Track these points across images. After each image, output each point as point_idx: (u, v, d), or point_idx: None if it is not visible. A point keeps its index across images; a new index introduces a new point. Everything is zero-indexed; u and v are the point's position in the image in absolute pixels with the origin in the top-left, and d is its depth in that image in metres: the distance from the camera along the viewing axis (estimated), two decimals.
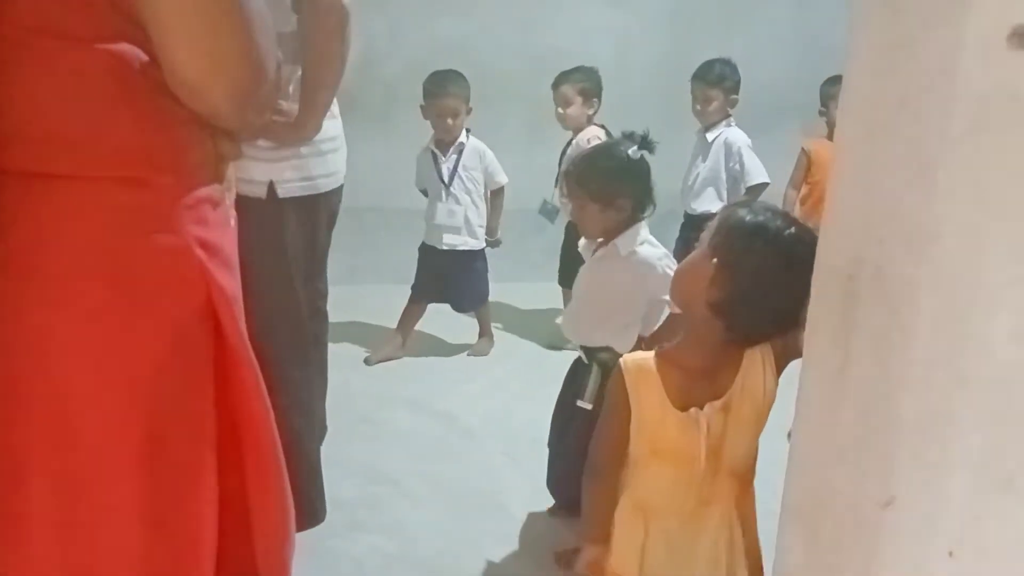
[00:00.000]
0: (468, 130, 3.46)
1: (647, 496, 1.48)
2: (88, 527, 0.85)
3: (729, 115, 3.46)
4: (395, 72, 3.96)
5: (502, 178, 3.50)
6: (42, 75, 0.80)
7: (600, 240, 2.15)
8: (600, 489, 1.54)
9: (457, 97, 3.35)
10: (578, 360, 2.24)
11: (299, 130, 1.95)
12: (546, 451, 2.64)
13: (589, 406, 2.10)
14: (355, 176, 3.40)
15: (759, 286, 1.35)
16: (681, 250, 3.57)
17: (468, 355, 3.54)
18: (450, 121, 3.36)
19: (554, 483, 2.34)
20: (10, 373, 0.82)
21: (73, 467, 0.84)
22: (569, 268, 3.59)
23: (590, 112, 3.50)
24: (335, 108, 2.06)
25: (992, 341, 0.60)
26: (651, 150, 2.12)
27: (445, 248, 3.43)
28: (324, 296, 2.25)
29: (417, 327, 3.53)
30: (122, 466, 0.85)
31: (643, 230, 2.12)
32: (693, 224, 3.55)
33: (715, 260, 1.39)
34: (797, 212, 3.45)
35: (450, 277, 3.46)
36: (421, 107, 3.40)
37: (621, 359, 1.49)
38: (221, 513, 0.92)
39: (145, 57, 0.84)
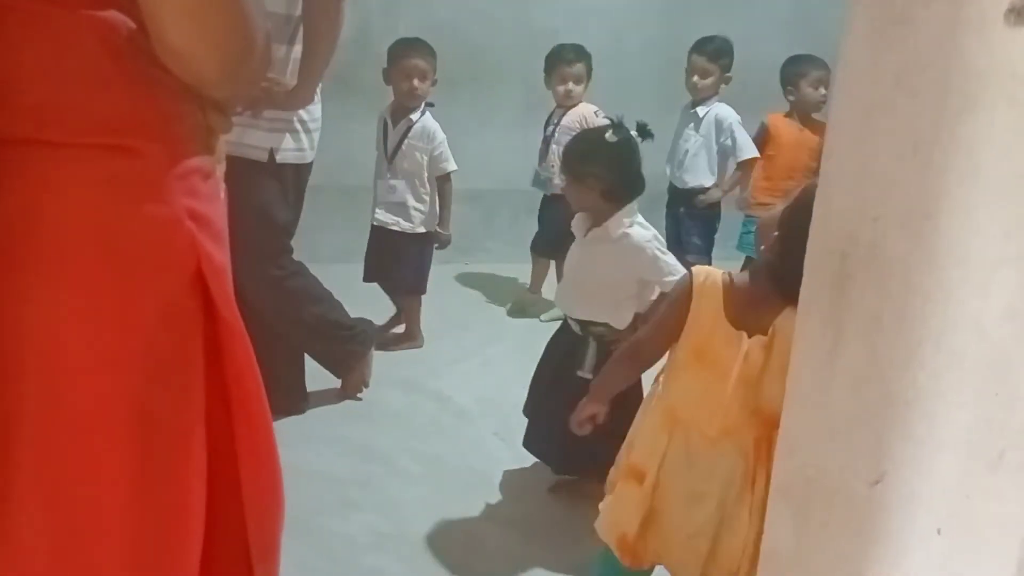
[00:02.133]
0: (429, 105, 3.22)
1: (678, 404, 1.59)
2: (76, 499, 0.85)
3: (719, 92, 3.50)
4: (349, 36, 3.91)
5: (449, 165, 3.22)
6: (31, 40, 0.79)
7: (591, 222, 2.23)
8: (629, 366, 1.76)
9: (427, 60, 3.14)
10: (568, 331, 2.31)
11: (294, 98, 2.31)
12: None
13: (590, 376, 2.18)
14: (350, 155, 3.41)
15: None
16: (672, 226, 3.61)
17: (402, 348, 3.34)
18: (416, 82, 3.11)
19: (541, 448, 2.38)
20: None
21: (61, 438, 0.83)
22: (543, 236, 3.63)
23: (580, 89, 3.54)
24: (318, 95, 2.42)
25: (984, 320, 0.60)
26: (644, 136, 2.21)
27: (376, 224, 3.22)
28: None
29: None
30: (110, 438, 0.85)
31: (634, 213, 2.20)
32: (681, 198, 3.59)
33: (779, 229, 1.52)
34: (758, 181, 3.54)
35: (382, 256, 3.23)
36: (384, 71, 3.17)
37: (699, 268, 1.61)
38: (211, 487, 0.92)
39: (133, 25, 0.82)
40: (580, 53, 3.52)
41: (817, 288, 0.79)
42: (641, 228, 2.20)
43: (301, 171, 2.48)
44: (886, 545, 0.71)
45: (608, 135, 2.18)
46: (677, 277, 2.14)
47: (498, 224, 4.29)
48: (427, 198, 3.21)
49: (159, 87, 0.85)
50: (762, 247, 1.60)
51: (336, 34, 2.28)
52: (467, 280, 4.10)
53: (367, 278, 3.30)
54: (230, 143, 1.50)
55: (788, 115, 3.57)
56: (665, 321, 1.64)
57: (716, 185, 3.55)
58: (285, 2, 2.25)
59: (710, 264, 3.63)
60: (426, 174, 3.19)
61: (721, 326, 1.53)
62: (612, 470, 1.75)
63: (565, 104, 3.53)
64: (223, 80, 0.86)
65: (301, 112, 2.39)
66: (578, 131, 3.07)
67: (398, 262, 3.24)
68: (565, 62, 3.50)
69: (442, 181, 3.23)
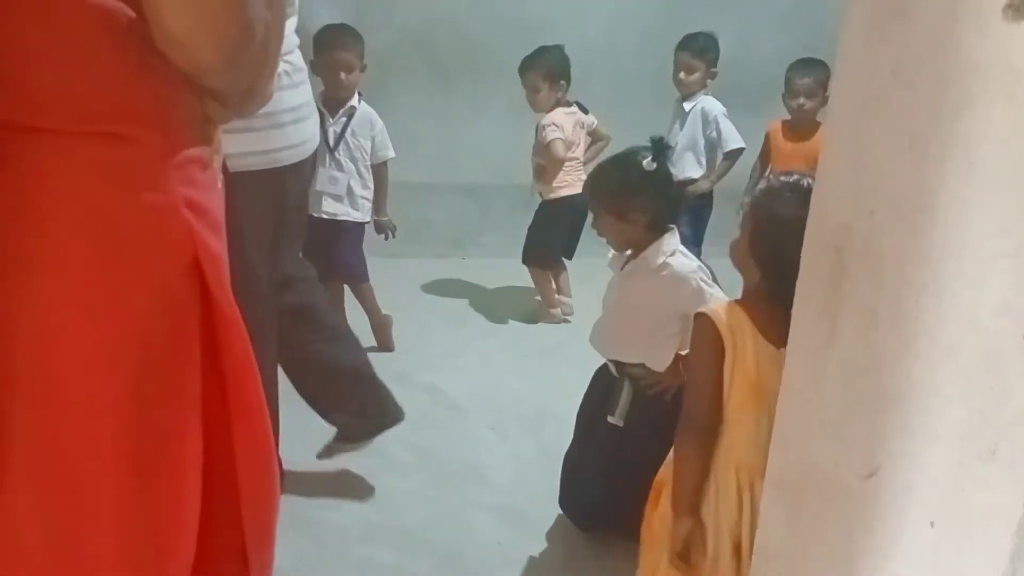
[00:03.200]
0: (360, 94, 3.16)
1: (745, 453, 1.42)
2: (70, 488, 0.85)
3: (706, 87, 3.52)
4: (387, 44, 3.92)
5: (389, 152, 3.19)
6: (31, 26, 0.79)
7: (628, 253, 2.06)
8: (698, 449, 1.46)
9: (351, 51, 3.07)
10: (605, 372, 2.15)
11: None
12: (530, 425, 2.66)
13: (620, 423, 2.05)
14: None
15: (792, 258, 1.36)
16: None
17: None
18: (343, 76, 3.06)
19: (571, 500, 2.21)
20: None
21: (55, 426, 0.83)
22: (535, 247, 3.62)
23: (559, 95, 3.46)
24: (297, 77, 1.96)
25: (978, 313, 0.60)
26: (666, 157, 2.03)
27: (324, 216, 3.12)
28: (299, 265, 2.22)
29: (405, 300, 3.52)
30: (105, 426, 0.85)
31: (672, 240, 2.02)
32: None
33: (752, 259, 1.44)
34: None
35: (329, 248, 3.13)
36: (310, 63, 2.99)
37: (706, 308, 1.46)
38: (206, 476, 0.92)
39: (131, 13, 0.82)
40: (530, 62, 3.46)
41: (813, 281, 0.79)
42: (683, 257, 2.01)
43: (279, 175, 1.96)
44: (879, 537, 0.72)
45: (646, 163, 1.99)
46: None
47: (494, 218, 4.28)
48: (371, 186, 3.20)
49: (157, 75, 0.85)
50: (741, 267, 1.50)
51: (276, 31, 1.96)
52: (462, 274, 4.09)
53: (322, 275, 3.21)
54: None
55: (787, 122, 3.58)
56: (707, 379, 1.45)
57: (705, 176, 3.57)
58: None
59: (700, 254, 3.65)
60: (369, 160, 3.18)
61: (765, 351, 1.40)
62: (644, 527, 1.59)
63: (537, 110, 3.51)
64: (221, 69, 0.86)
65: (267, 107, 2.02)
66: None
67: (345, 251, 3.19)
68: (520, 72, 3.48)
69: (379, 168, 3.21)
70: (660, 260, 2.00)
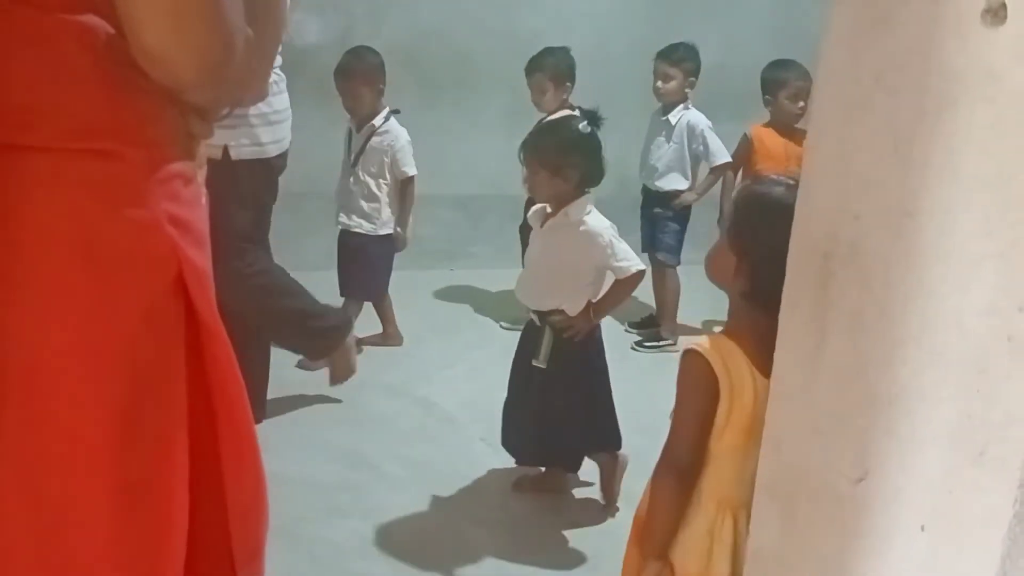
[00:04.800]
0: (394, 112, 3.25)
1: (733, 488, 1.36)
2: (58, 506, 0.84)
3: (687, 97, 3.54)
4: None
5: (409, 170, 3.23)
6: (8, 43, 0.78)
7: (549, 211, 2.33)
8: (676, 492, 1.38)
9: (356, 79, 3.18)
10: (531, 323, 2.37)
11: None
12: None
13: (544, 365, 2.28)
14: (333, 161, 3.41)
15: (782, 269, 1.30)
16: (647, 226, 3.67)
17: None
18: (350, 102, 3.20)
19: (513, 443, 2.42)
20: None
21: (42, 443, 0.82)
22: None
23: (564, 96, 3.48)
24: (283, 84, 2.47)
25: (964, 316, 0.61)
26: (598, 126, 2.32)
27: (339, 227, 3.26)
28: (268, 251, 2.63)
29: (396, 313, 3.51)
30: (92, 444, 0.84)
31: (589, 201, 2.28)
32: (657, 200, 3.67)
33: (734, 254, 1.38)
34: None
35: (342, 259, 3.28)
36: (335, 81, 3.24)
37: (694, 344, 1.38)
38: (194, 492, 0.91)
39: (111, 29, 0.82)
40: (537, 63, 3.48)
41: (800, 287, 0.79)
42: (598, 216, 2.28)
43: (266, 166, 2.48)
44: (870, 541, 0.72)
45: (582, 126, 2.29)
46: (631, 263, 2.24)
47: (484, 229, 4.28)
48: (390, 200, 3.26)
49: (139, 91, 0.85)
50: (723, 280, 1.43)
51: (280, 24, 2.20)
52: (453, 285, 4.09)
53: (343, 292, 3.30)
54: None
55: (769, 125, 3.59)
56: (694, 420, 1.37)
57: (690, 189, 3.59)
58: None
59: (679, 262, 3.65)
60: (389, 177, 3.24)
61: (762, 385, 1.30)
62: (624, 564, 1.49)
63: (542, 110, 3.52)
64: (201, 84, 0.86)
65: (261, 105, 2.35)
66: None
67: (363, 264, 3.28)
68: (527, 72, 3.50)
69: (404, 184, 3.27)
70: (580, 216, 2.26)
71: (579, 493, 2.47)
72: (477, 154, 4.08)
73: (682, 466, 1.38)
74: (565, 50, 3.51)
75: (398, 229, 3.30)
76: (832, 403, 0.75)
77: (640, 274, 2.27)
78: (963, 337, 0.61)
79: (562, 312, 2.27)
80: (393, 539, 2.19)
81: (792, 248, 0.80)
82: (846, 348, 0.73)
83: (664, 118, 3.60)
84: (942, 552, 0.64)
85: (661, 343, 3.62)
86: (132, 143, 0.85)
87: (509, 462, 2.46)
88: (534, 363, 2.28)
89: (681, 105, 3.56)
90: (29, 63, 0.80)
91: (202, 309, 0.89)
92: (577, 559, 2.19)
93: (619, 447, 2.34)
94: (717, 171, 3.54)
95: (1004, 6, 0.56)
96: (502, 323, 3.67)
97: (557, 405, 2.28)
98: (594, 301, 2.29)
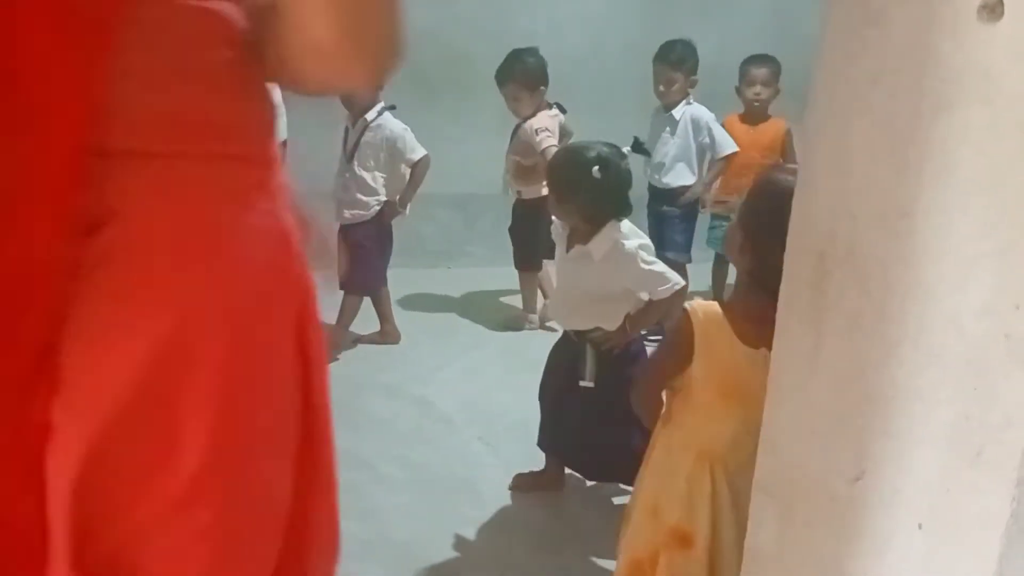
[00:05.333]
0: (390, 108, 3.29)
1: (712, 443, 1.51)
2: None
3: (688, 94, 3.57)
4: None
5: (417, 153, 3.29)
6: (133, 40, 0.67)
7: (575, 238, 2.21)
8: (652, 405, 1.64)
9: None
10: (564, 340, 2.31)
11: None
12: (521, 436, 2.65)
13: (591, 384, 2.20)
14: (335, 161, 3.42)
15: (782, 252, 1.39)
16: (655, 224, 3.68)
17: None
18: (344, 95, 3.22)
19: (571, 458, 2.38)
20: (105, 369, 0.69)
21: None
22: (522, 249, 3.64)
23: (539, 99, 3.50)
24: None
25: (961, 317, 0.61)
26: (608, 167, 2.15)
27: (341, 224, 3.28)
28: None
29: (393, 312, 3.51)
30: (204, 465, 0.73)
31: (616, 231, 2.15)
32: (664, 197, 3.69)
33: (742, 233, 1.48)
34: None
35: (341, 255, 3.23)
36: None
37: (688, 305, 1.53)
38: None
39: (242, 20, 0.72)
40: (507, 73, 3.49)
41: (797, 287, 0.79)
42: (625, 242, 2.15)
43: None
44: (868, 541, 0.72)
45: (595, 171, 2.14)
46: (669, 286, 2.12)
47: (480, 228, 4.29)
48: (380, 191, 3.30)
49: (261, 90, 0.76)
50: (732, 255, 1.57)
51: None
52: (450, 284, 4.09)
53: (343, 287, 3.29)
54: None
55: (741, 115, 3.71)
56: (668, 354, 1.59)
57: (699, 181, 3.61)
58: None
59: (689, 260, 3.67)
60: (387, 170, 3.29)
61: (739, 351, 1.46)
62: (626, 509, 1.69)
63: (520, 116, 3.54)
64: (370, 82, 0.77)
65: None
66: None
67: (360, 255, 3.27)
68: (499, 83, 3.52)
69: (414, 167, 3.31)
70: (602, 252, 2.14)
71: (578, 490, 2.47)
72: (474, 154, 4.07)
73: (647, 393, 1.65)
74: (534, 51, 3.50)
75: (399, 205, 3.32)
76: (829, 403, 0.75)
77: (681, 292, 2.14)
78: (960, 338, 0.61)
79: (600, 329, 2.20)
80: (390, 540, 2.18)
81: (789, 247, 0.80)
82: (843, 348, 0.73)
83: (667, 114, 3.61)
84: (939, 552, 0.64)
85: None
86: (257, 146, 0.77)
87: (507, 463, 2.46)
88: (581, 384, 2.22)
89: (683, 100, 3.58)
90: (166, 64, 0.70)
91: (314, 335, 0.81)
92: (577, 558, 2.19)
93: None
94: (723, 161, 3.57)
95: (1001, 2, 0.56)
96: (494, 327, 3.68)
97: (613, 420, 2.15)
98: (631, 313, 2.20)
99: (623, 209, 2.19)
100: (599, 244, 2.15)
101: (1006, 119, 0.56)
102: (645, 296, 2.19)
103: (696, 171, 3.62)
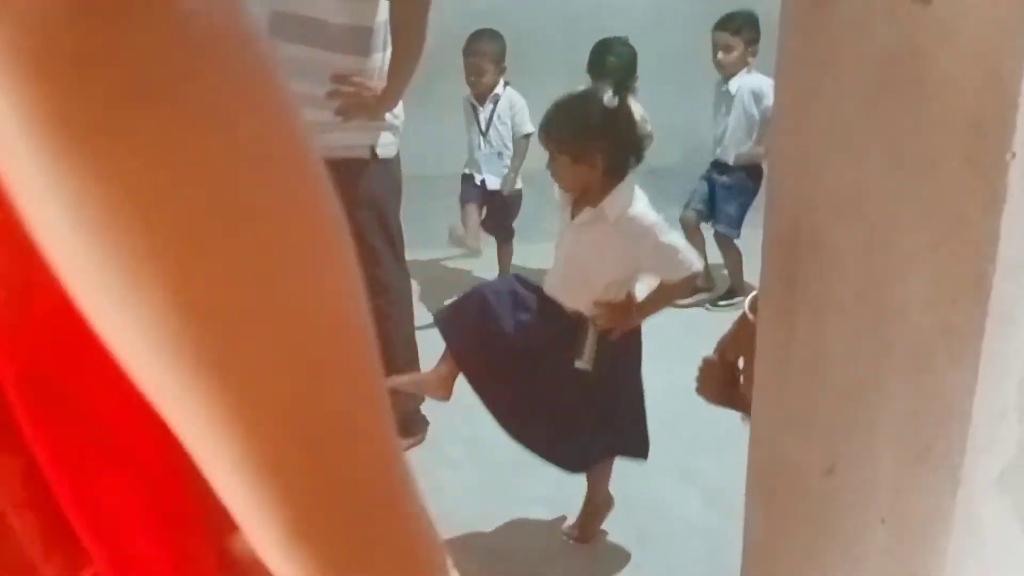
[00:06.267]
0: (506, 83, 3.68)
1: None
2: None
3: (747, 64, 3.47)
4: (432, 43, 3.97)
5: (525, 128, 3.67)
6: None
7: (583, 201, 1.94)
8: None
9: (483, 56, 3.64)
10: (560, 317, 2.03)
11: (383, 103, 2.41)
12: None
13: (589, 367, 1.97)
14: (404, 146, 3.49)
15: None
16: (709, 195, 3.64)
17: None
18: (472, 78, 3.67)
19: (545, 447, 2.15)
20: None
21: None
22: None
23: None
24: None
25: (908, 309, 0.58)
26: (626, 95, 1.89)
27: (490, 188, 3.72)
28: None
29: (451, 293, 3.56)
30: None
31: (633, 189, 1.88)
32: (721, 171, 3.63)
33: None
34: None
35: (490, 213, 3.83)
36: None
37: None
38: None
39: None
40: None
41: (772, 277, 0.78)
42: (644, 208, 1.87)
43: (392, 164, 2.60)
44: (839, 535, 0.70)
45: (607, 99, 1.84)
46: (685, 267, 1.87)
47: (547, 203, 4.29)
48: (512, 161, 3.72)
49: None
50: None
51: (422, 42, 2.37)
52: (519, 259, 4.11)
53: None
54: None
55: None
56: None
57: (756, 145, 3.50)
58: (358, 14, 2.33)
59: (738, 235, 3.59)
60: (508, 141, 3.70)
61: None
62: None
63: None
64: None
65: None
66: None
67: (506, 212, 3.80)
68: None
69: (519, 142, 3.70)
70: (617, 213, 1.86)
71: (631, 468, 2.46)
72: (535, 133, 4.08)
73: None
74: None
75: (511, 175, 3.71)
76: (803, 394, 0.74)
77: (693, 277, 1.91)
78: (906, 330, 0.59)
79: (605, 306, 1.95)
80: (453, 518, 2.23)
81: (764, 237, 0.78)
82: (812, 339, 0.71)
83: (724, 88, 3.54)
84: (901, 548, 0.63)
85: (733, 300, 3.60)
86: None
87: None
88: (578, 364, 1.99)
89: (743, 70, 3.49)
90: None
91: None
92: (633, 535, 2.19)
93: (646, 456, 2.13)
94: None
95: None
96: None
97: (598, 406, 2.02)
98: (634, 296, 1.95)
99: (640, 153, 1.92)
100: (614, 202, 1.86)
101: (938, 104, 0.53)
102: (650, 281, 1.94)
103: (756, 139, 3.53)
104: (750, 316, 1.06)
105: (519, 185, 3.77)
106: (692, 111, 3.64)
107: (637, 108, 3.68)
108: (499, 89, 3.68)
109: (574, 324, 2.04)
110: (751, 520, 0.86)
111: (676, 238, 1.90)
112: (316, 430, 0.29)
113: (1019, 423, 0.55)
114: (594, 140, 1.84)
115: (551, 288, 2.06)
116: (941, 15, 0.53)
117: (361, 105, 2.34)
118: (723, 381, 1.28)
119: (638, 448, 2.13)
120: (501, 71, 3.68)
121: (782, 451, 0.79)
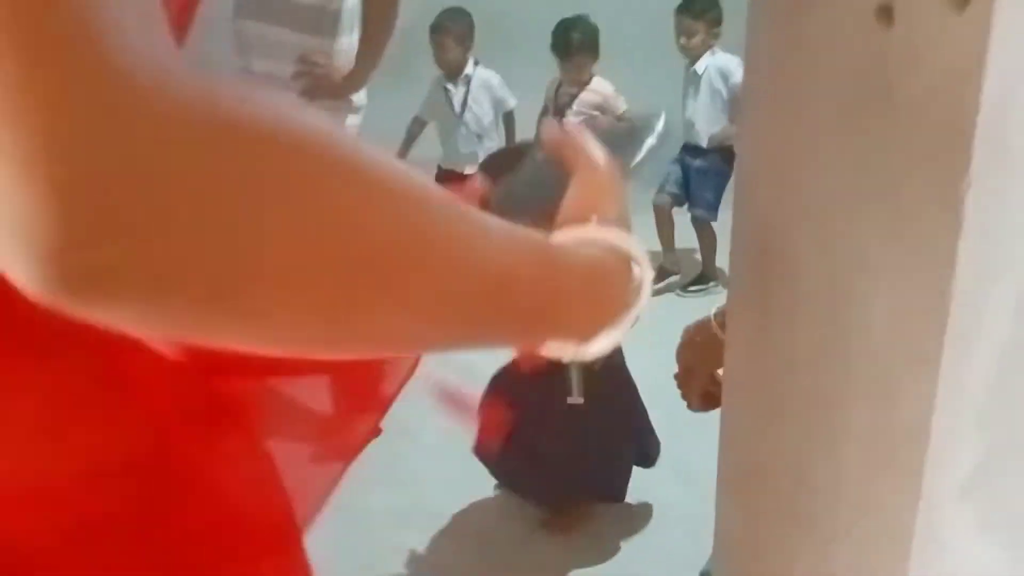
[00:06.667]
0: (476, 62, 3.69)
1: None
2: None
3: (712, 46, 3.48)
4: (410, 21, 3.93)
5: (509, 103, 3.73)
6: None
7: None
8: None
9: (448, 34, 3.63)
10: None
11: (349, 85, 2.44)
12: None
13: (581, 400, 2.05)
14: (377, 126, 3.45)
15: None
16: (683, 180, 3.65)
17: None
18: (439, 54, 3.67)
19: (545, 487, 2.22)
20: None
21: None
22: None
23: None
24: None
25: (871, 325, 0.59)
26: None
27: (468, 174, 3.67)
28: None
29: None
30: None
31: None
32: (693, 154, 3.65)
33: None
34: None
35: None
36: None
37: None
38: None
39: None
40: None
41: (743, 281, 0.79)
42: None
43: None
44: (811, 542, 0.72)
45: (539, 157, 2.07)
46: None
47: None
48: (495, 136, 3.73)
49: None
50: None
51: (391, 27, 2.39)
52: None
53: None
54: None
55: None
56: None
57: (728, 126, 3.51)
58: None
59: (715, 218, 3.59)
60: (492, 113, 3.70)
61: None
62: None
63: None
64: None
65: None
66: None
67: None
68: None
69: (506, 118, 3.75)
70: None
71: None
72: (517, 113, 4.06)
73: None
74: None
75: None
76: (771, 401, 0.75)
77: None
78: (870, 346, 0.59)
79: None
80: (429, 507, 2.24)
81: (732, 242, 0.79)
82: (782, 347, 0.72)
83: (692, 69, 3.55)
84: (863, 559, 0.64)
85: (707, 285, 3.62)
86: None
87: None
88: (570, 401, 2.11)
89: (707, 52, 3.50)
90: None
91: None
92: (615, 526, 2.22)
93: (654, 464, 2.25)
94: None
95: (891, 8, 0.54)
96: None
97: (601, 434, 2.10)
98: None
99: None
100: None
101: (902, 127, 0.54)
102: None
103: (725, 121, 3.54)
104: (719, 334, 1.09)
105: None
106: (662, 94, 3.63)
107: (607, 86, 3.71)
108: (469, 68, 3.63)
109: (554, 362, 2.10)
110: (725, 514, 0.88)
111: None
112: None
113: (977, 440, 0.56)
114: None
115: None
116: (906, 40, 0.53)
117: (326, 86, 2.35)
118: (705, 390, 1.23)
119: (654, 452, 2.18)
120: (467, 49, 3.63)
121: (754, 457, 0.80)
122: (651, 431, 2.19)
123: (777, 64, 0.68)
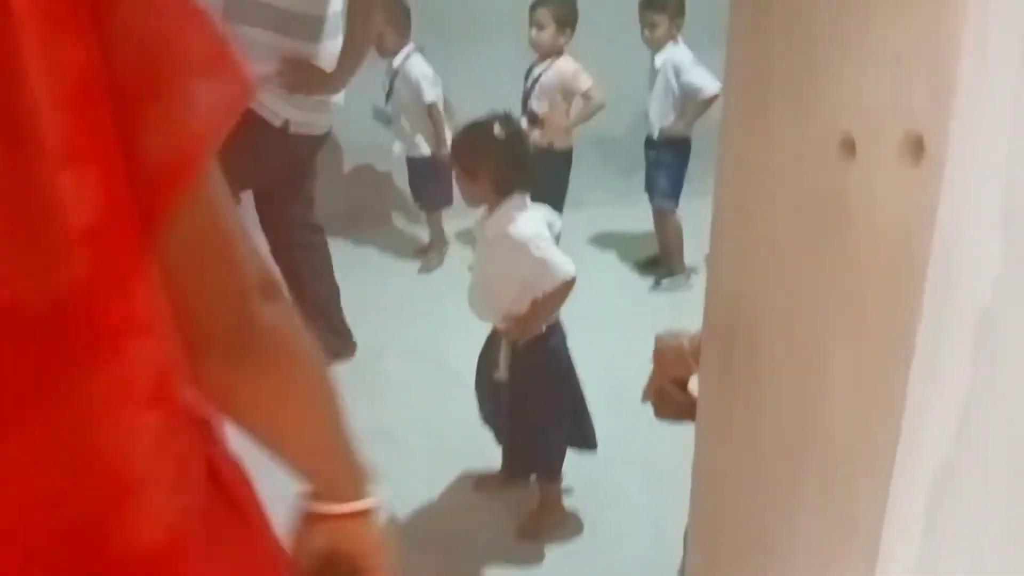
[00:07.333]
0: (408, 53, 3.70)
1: None
2: None
3: (674, 37, 3.52)
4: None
5: (426, 97, 3.72)
6: None
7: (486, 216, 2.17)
8: None
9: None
10: (491, 334, 2.28)
11: (330, 83, 2.61)
12: None
13: (505, 375, 2.18)
14: (358, 112, 3.46)
15: None
16: (647, 171, 3.71)
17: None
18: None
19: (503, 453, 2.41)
20: None
21: None
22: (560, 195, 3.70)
23: (562, 40, 3.51)
24: None
25: (831, 416, 0.65)
26: (511, 130, 2.17)
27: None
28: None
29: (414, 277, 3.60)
30: None
31: (516, 209, 2.10)
32: (652, 145, 3.72)
33: None
34: None
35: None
36: None
37: None
38: None
39: None
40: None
41: (710, 361, 0.84)
42: (523, 225, 2.09)
43: (314, 143, 2.76)
44: None
45: (496, 130, 2.13)
46: (557, 274, 2.07)
47: None
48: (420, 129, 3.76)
49: None
50: None
51: (370, 34, 2.62)
52: (468, 238, 4.14)
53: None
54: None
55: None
56: None
57: (677, 121, 3.56)
58: (310, 3, 2.52)
59: (676, 207, 3.66)
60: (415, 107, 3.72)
61: None
62: None
63: (536, 50, 3.58)
64: None
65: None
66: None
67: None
68: (532, 7, 3.58)
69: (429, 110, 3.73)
70: (497, 230, 2.11)
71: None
72: (485, 98, 4.06)
73: None
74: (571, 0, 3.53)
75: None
76: (738, 471, 0.80)
77: (568, 284, 2.10)
78: (827, 434, 0.65)
79: (513, 320, 2.15)
80: (405, 504, 2.29)
81: (703, 323, 0.83)
82: (747, 425, 0.78)
83: (652, 62, 3.61)
84: None
85: (674, 276, 3.68)
86: None
87: None
88: (495, 376, 2.20)
89: (669, 43, 3.54)
90: None
91: None
92: (597, 526, 2.27)
93: (594, 447, 2.31)
94: (704, 103, 3.50)
95: (853, 141, 0.58)
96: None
97: (526, 415, 2.22)
98: (538, 299, 2.13)
99: (528, 177, 2.15)
100: (495, 222, 2.12)
101: (860, 251, 0.59)
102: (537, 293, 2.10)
103: (675, 113, 3.58)
104: (692, 365, 1.14)
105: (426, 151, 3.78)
106: (640, 81, 3.68)
107: (571, 64, 3.73)
108: (402, 55, 3.66)
109: (494, 338, 2.25)
110: (694, 556, 0.94)
111: (549, 250, 2.09)
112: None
113: (924, 531, 0.62)
114: (483, 160, 2.11)
115: (471, 305, 2.25)
116: (865, 174, 0.58)
117: (306, 82, 2.50)
118: (678, 402, 1.31)
119: (588, 441, 2.26)
120: (403, 35, 3.67)
121: (720, 516, 0.86)
122: (586, 413, 2.28)
123: (747, 175, 0.72)
